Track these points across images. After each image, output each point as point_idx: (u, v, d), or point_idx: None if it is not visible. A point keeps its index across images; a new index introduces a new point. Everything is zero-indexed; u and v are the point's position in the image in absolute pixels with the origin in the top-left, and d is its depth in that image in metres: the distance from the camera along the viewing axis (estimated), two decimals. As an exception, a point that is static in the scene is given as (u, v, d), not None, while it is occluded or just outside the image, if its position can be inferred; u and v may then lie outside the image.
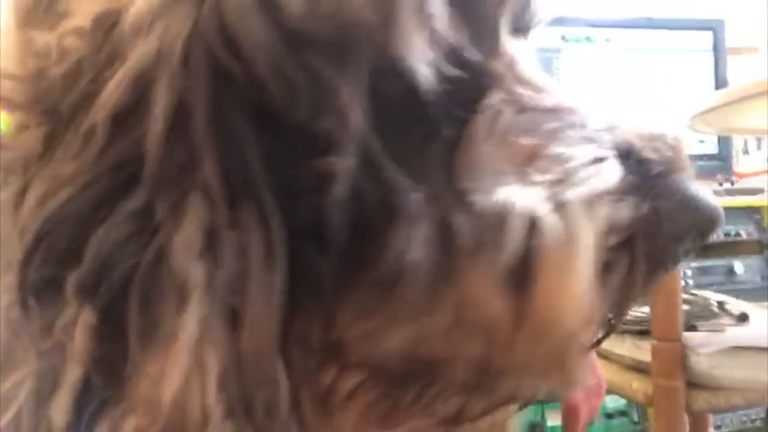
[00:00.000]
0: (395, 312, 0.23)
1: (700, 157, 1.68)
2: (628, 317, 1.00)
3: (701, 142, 1.71)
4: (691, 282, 1.59)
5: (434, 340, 0.24)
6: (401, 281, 0.22)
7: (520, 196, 0.23)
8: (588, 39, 1.71)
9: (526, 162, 0.25)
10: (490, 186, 0.24)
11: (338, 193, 0.22)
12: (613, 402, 1.52)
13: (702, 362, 0.89)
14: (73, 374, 0.23)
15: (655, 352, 0.91)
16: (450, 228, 0.23)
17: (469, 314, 0.23)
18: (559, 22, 1.76)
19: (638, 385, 0.95)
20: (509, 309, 0.23)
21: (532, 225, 0.23)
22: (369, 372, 0.25)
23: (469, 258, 0.23)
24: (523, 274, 0.23)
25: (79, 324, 0.22)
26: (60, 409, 0.23)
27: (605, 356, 1.04)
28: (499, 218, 0.23)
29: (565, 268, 0.23)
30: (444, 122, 0.24)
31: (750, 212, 1.69)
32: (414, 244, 0.22)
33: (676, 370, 0.90)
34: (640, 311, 1.03)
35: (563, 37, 1.68)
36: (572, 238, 0.23)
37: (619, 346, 1.02)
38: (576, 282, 0.23)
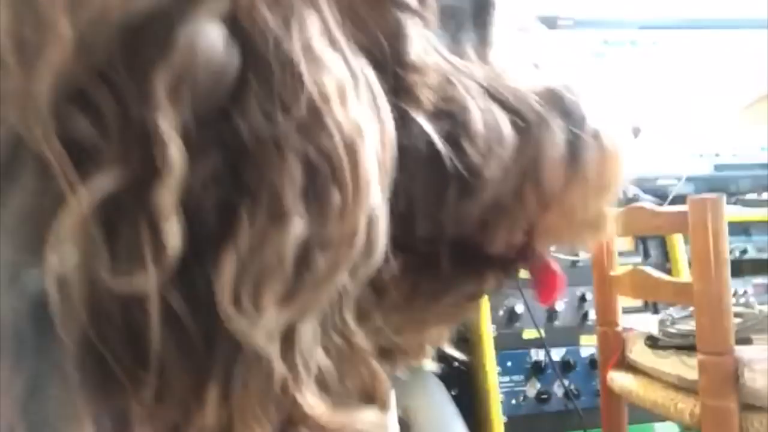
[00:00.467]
0: None
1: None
2: (673, 331, 0.90)
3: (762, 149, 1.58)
4: (752, 299, 1.45)
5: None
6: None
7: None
8: (632, 43, 1.62)
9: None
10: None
11: None
12: (663, 429, 1.39)
13: (757, 379, 0.78)
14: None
15: (702, 367, 0.81)
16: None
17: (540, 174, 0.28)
18: (600, 24, 1.69)
19: (684, 406, 0.85)
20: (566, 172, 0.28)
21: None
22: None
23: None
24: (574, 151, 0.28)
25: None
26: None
27: (648, 374, 0.95)
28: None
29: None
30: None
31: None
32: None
33: (727, 388, 0.79)
34: (686, 325, 0.93)
35: (605, 42, 1.61)
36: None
37: (663, 362, 0.92)
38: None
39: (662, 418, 1.24)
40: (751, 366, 0.79)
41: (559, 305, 1.21)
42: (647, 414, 1.26)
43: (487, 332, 1.19)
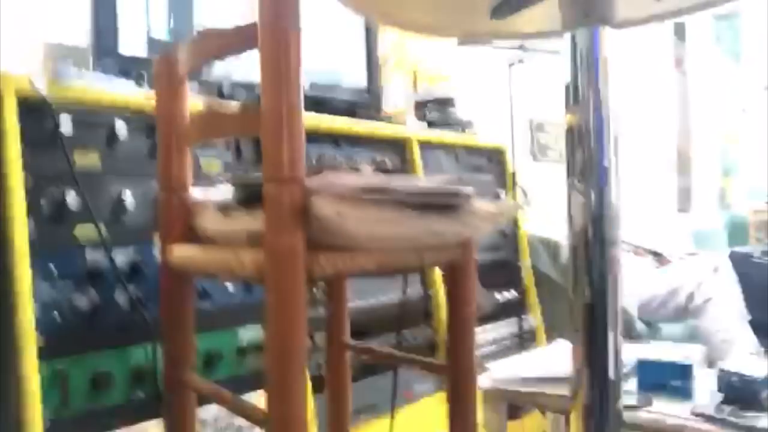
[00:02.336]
0: None
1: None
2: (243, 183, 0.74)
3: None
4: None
5: None
6: None
7: None
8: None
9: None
10: None
11: None
12: (247, 333, 1.26)
13: (324, 207, 0.68)
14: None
15: (268, 199, 0.67)
16: None
17: None
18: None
19: (250, 257, 0.70)
20: None
21: None
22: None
23: None
24: None
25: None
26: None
27: (216, 240, 0.77)
28: None
29: None
30: None
31: None
32: None
33: (293, 221, 0.67)
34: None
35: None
36: None
37: (233, 222, 0.76)
38: None
39: (243, 322, 1.11)
40: (320, 195, 0.68)
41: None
42: (232, 317, 1.12)
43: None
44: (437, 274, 1.89)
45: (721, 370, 1.08)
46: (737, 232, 3.83)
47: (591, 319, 1.00)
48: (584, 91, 0.88)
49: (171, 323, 0.88)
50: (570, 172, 1.02)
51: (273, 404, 0.67)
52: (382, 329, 1.53)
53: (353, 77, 1.71)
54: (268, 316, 0.67)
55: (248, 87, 1.30)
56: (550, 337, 2.10)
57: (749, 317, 2.29)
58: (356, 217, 0.70)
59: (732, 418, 0.97)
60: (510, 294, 2.11)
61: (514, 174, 2.02)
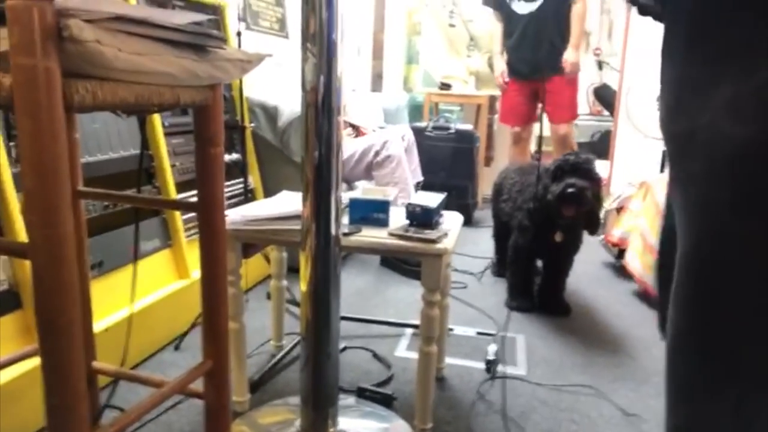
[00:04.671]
0: None
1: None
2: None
3: None
4: None
5: None
6: None
7: None
8: None
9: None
10: None
11: None
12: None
13: (84, 30, 0.66)
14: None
15: (13, 15, 0.63)
16: None
17: None
18: None
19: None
20: None
21: None
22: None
23: None
24: None
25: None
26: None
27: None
28: None
29: None
30: None
31: None
32: None
33: (45, 44, 0.64)
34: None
35: None
36: None
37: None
38: None
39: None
40: (76, 19, 0.66)
41: None
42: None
43: None
44: (158, 133, 1.87)
45: (409, 204, 1.39)
46: (415, 110, 4.52)
47: (319, 176, 1.19)
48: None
49: None
50: (304, 40, 1.14)
51: (36, 230, 0.68)
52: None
53: None
54: (24, 145, 0.66)
55: None
56: (268, 196, 2.29)
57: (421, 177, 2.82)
58: (116, 46, 0.70)
59: (414, 234, 1.29)
60: (233, 156, 2.21)
61: (239, 33, 2.04)
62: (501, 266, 2.66)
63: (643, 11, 0.64)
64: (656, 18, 0.59)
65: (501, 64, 3.61)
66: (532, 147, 4.43)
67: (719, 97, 0.48)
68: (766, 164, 0.46)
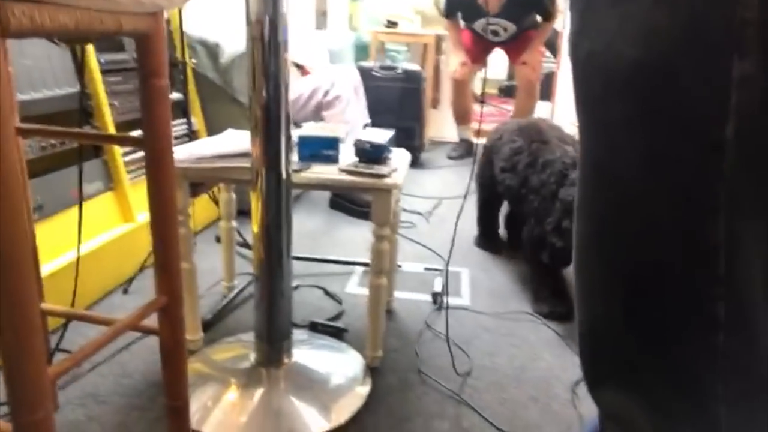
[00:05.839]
0: None
1: None
2: None
3: None
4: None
5: None
6: None
7: None
8: None
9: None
10: None
11: None
12: None
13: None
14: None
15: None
16: None
17: None
18: None
19: None
20: None
21: None
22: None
23: None
24: None
25: None
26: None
27: None
28: None
29: None
30: None
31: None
32: None
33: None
34: None
35: None
36: None
37: None
38: None
39: None
40: None
41: None
42: None
43: None
44: (94, 70, 1.79)
45: (358, 140, 1.40)
46: (361, 50, 4.44)
47: (268, 113, 1.17)
48: None
49: None
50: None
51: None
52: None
53: None
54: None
55: None
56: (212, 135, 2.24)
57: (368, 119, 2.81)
58: (51, -31, 0.67)
59: (364, 170, 1.31)
60: (174, 96, 2.14)
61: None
62: (487, 239, 2.33)
63: None
64: None
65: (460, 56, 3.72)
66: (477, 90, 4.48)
67: (614, 21, 0.51)
68: (650, 84, 0.50)
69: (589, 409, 1.32)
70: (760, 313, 0.52)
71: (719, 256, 0.51)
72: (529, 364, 1.52)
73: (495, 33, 3.66)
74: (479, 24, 3.67)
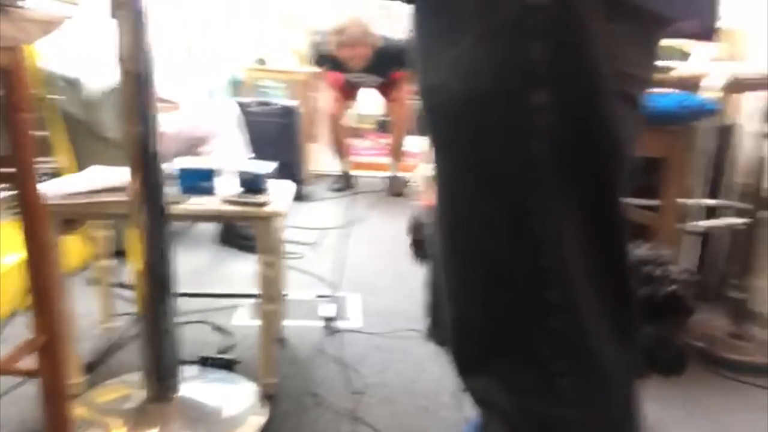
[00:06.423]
0: None
1: None
2: None
3: None
4: None
5: None
6: None
7: None
8: None
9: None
10: None
11: None
12: None
13: None
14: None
15: None
16: None
17: None
18: None
19: None
20: None
21: None
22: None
23: None
24: None
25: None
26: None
27: None
28: None
29: None
30: None
31: None
32: None
33: None
34: None
35: None
36: None
37: None
38: None
39: None
40: None
41: None
42: None
43: None
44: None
45: (241, 171, 1.42)
46: (236, 86, 4.45)
47: (145, 147, 1.17)
48: None
49: None
50: (115, 7, 1.11)
51: None
52: None
53: None
54: None
55: None
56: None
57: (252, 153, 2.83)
58: None
59: (247, 199, 1.34)
60: (37, 133, 2.02)
61: None
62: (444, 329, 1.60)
63: None
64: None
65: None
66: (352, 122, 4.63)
67: (447, 61, 0.63)
68: (476, 112, 0.62)
69: (473, 410, 1.42)
70: (583, 296, 0.63)
71: (546, 250, 0.62)
72: (417, 377, 1.60)
73: (362, 82, 3.88)
74: (347, 74, 3.85)
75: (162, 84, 1.25)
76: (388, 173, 4.12)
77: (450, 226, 0.70)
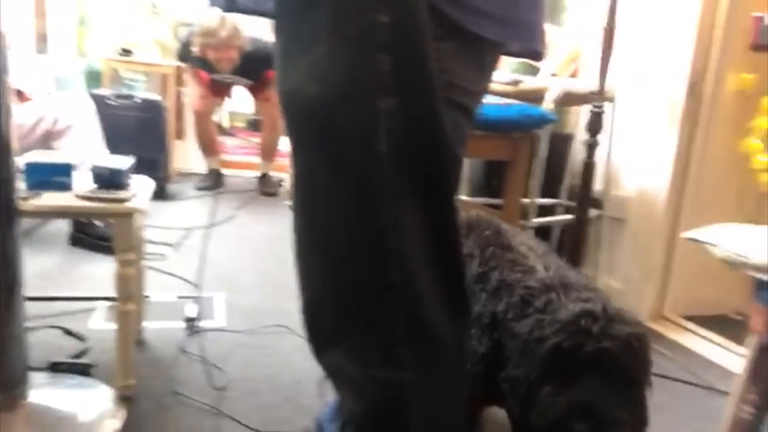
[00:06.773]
0: None
1: None
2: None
3: None
4: None
5: None
6: None
7: None
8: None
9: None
10: None
11: None
12: None
13: None
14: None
15: None
16: None
17: None
18: None
19: None
20: None
21: None
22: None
23: None
24: None
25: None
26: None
27: None
28: None
29: None
30: None
31: None
32: None
33: None
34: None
35: None
36: None
37: None
38: None
39: None
40: None
41: None
42: None
43: None
44: None
45: (95, 166, 1.38)
46: (93, 77, 4.18)
47: None
48: None
49: None
50: None
51: None
52: None
53: None
54: None
55: None
56: None
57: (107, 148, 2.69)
58: None
59: (102, 195, 1.31)
60: None
61: None
62: None
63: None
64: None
65: None
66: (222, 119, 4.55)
67: (305, 65, 0.70)
68: (328, 113, 0.69)
69: (334, 395, 1.49)
70: (422, 275, 0.72)
71: (390, 235, 0.70)
72: (281, 370, 1.64)
73: (230, 83, 3.81)
74: (214, 75, 3.75)
75: (13, 73, 1.18)
76: (258, 173, 4.10)
77: (305, 217, 0.76)
